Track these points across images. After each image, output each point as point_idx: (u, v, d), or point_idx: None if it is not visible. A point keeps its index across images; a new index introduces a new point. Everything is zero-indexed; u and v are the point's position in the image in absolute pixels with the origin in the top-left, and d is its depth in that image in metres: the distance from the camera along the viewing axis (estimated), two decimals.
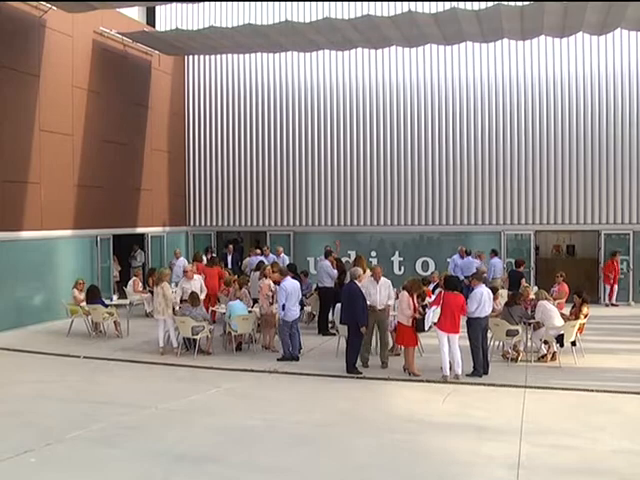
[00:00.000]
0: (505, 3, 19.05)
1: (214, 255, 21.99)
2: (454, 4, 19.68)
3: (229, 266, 22.06)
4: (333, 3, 23.38)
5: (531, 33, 21.16)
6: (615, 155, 23.00)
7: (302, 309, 15.71)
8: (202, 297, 16.16)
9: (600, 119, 23.06)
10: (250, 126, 25.48)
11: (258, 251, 21.30)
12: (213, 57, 25.71)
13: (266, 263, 18.14)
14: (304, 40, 21.36)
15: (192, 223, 26.35)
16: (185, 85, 26.17)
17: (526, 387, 12.34)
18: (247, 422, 10.37)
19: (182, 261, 21.28)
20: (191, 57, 25.88)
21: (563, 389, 12.28)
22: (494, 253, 21.45)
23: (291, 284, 14.48)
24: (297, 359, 14.47)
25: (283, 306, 14.21)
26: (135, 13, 24.26)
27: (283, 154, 25.20)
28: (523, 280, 18.30)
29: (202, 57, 25.80)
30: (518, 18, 19.38)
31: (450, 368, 12.88)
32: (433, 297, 14.22)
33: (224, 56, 25.47)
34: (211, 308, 17.18)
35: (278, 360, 14.36)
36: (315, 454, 9.05)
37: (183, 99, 26.13)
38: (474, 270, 18.15)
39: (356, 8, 22.90)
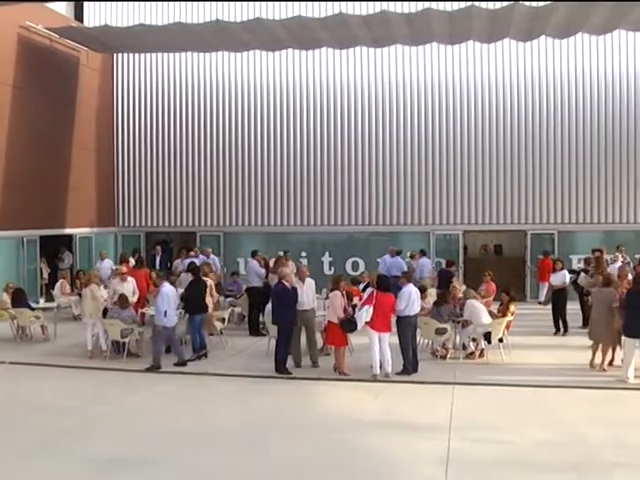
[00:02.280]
0: (434, 7, 19.34)
1: (141, 256, 21.72)
2: (384, 6, 19.92)
3: (157, 267, 21.79)
4: (266, 3, 23.35)
5: (459, 37, 21.54)
6: (540, 157, 23.56)
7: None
8: (134, 299, 15.97)
9: (526, 121, 23.59)
10: (180, 125, 25.25)
11: (192, 253, 21.07)
12: (143, 55, 25.37)
13: (197, 264, 18.04)
14: (235, 40, 21.27)
15: (121, 224, 25.95)
16: (115, 83, 25.74)
17: (455, 384, 12.56)
18: (180, 425, 10.29)
19: (108, 262, 20.95)
20: (121, 54, 25.46)
21: (491, 385, 12.54)
22: (422, 253, 21.70)
23: (171, 290, 14.24)
24: (159, 367, 13.90)
25: (165, 312, 13.81)
26: (63, 8, 23.78)
27: (213, 154, 25.04)
28: (453, 279, 18.59)
29: (132, 55, 25.43)
30: (447, 22, 19.68)
31: (380, 367, 13.00)
32: (364, 297, 14.34)
33: (154, 54, 25.16)
34: (140, 310, 16.95)
35: (146, 370, 13.78)
36: (251, 456, 9.03)
37: (112, 97, 25.71)
38: (403, 270, 18.40)
39: (287, 8, 22.94)
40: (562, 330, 17.16)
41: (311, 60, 24.33)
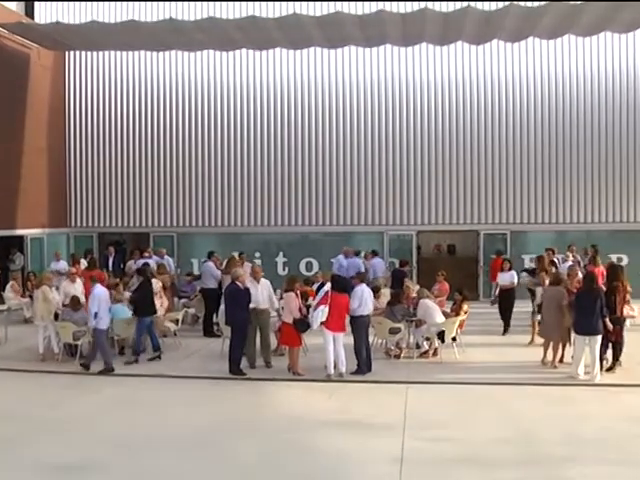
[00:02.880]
0: (387, 10, 19.45)
1: (93, 257, 21.46)
2: (338, 8, 19.97)
3: (110, 268, 21.54)
4: (219, 3, 23.26)
5: (412, 39, 21.71)
6: (493, 158, 23.84)
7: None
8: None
9: (478, 123, 23.85)
10: (133, 125, 24.99)
11: (146, 254, 20.86)
12: (97, 53, 24.98)
13: (151, 265, 17.92)
14: (189, 39, 21.13)
15: (73, 224, 25.57)
16: (67, 81, 25.32)
17: (409, 383, 12.64)
18: (131, 428, 10.21)
19: (63, 264, 20.67)
20: (73, 52, 25.05)
21: (444, 383, 12.70)
22: (374, 253, 21.80)
23: (103, 292, 14.10)
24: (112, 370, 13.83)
25: (95, 314, 13.65)
26: (13, 4, 23.36)
27: (166, 153, 24.81)
28: (406, 279, 18.70)
29: (86, 53, 25.02)
30: (400, 24, 19.81)
31: (334, 367, 13.04)
32: (318, 297, 14.35)
33: (107, 52, 24.80)
34: None
35: (99, 373, 13.64)
36: (203, 458, 8.99)
37: (64, 95, 25.30)
38: (361, 270, 18.47)
39: (241, 8, 22.86)
40: (504, 330, 17.31)
41: (265, 59, 24.20)
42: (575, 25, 20.15)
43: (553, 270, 16.39)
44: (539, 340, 15.05)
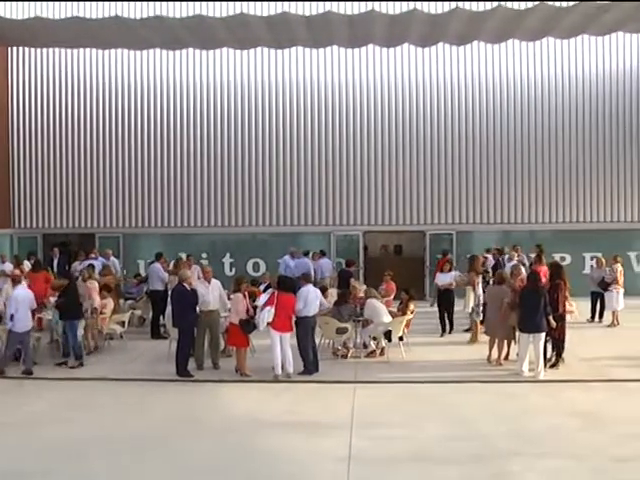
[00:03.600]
0: (335, 11, 19.47)
1: (38, 258, 21.07)
2: (285, 8, 19.89)
3: (55, 270, 21.19)
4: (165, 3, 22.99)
5: (359, 41, 21.82)
6: (439, 159, 24.08)
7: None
8: None
9: (424, 124, 24.07)
10: (78, 124, 24.59)
11: (92, 255, 20.56)
12: (41, 50, 24.50)
13: (95, 266, 17.70)
14: (134, 37, 20.86)
15: (17, 225, 25.07)
16: (10, 77, 24.81)
17: (356, 382, 12.72)
18: (77, 433, 10.03)
19: (8, 265, 20.25)
20: (16, 49, 24.52)
21: (391, 382, 12.79)
22: (322, 253, 21.85)
23: (23, 293, 13.85)
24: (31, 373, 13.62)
25: (12, 316, 13.38)
26: None
27: (111, 153, 24.50)
28: (352, 279, 18.77)
29: (30, 49, 24.52)
30: (347, 26, 19.87)
31: (282, 367, 13.03)
32: (263, 297, 14.34)
33: (52, 49, 24.32)
34: (37, 315, 16.42)
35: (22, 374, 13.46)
36: (150, 462, 8.90)
37: (7, 92, 24.77)
38: (309, 271, 18.48)
39: (188, 7, 22.60)
40: (448, 329, 17.44)
41: (206, 59, 24.17)
42: (519, 30, 20.52)
43: (482, 270, 17.08)
44: (482, 338, 15.29)
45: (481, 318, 15.98)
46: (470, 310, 16.52)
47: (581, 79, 24.12)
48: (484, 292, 16.18)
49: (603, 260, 19.35)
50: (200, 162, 24.33)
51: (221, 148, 24.34)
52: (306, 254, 21.22)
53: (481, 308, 16.06)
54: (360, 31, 20.51)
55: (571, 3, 18.54)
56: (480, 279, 16.69)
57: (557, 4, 18.77)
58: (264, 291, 16.46)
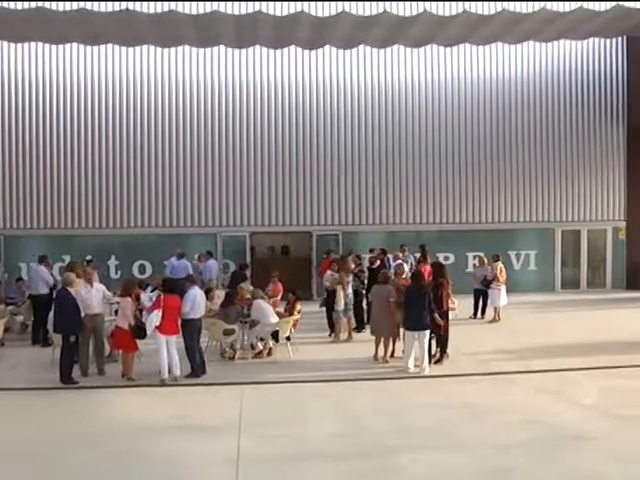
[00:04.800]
0: (222, 11, 19.34)
1: None
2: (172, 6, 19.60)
3: None
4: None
5: (246, 42, 21.79)
6: (325, 160, 24.30)
7: None
8: None
9: (310, 126, 24.25)
10: None
11: None
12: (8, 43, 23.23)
13: None
14: (53, 31, 20.10)
15: None
16: None
17: (244, 384, 12.64)
18: None
19: None
20: None
21: (279, 382, 12.78)
22: (209, 255, 21.70)
23: None
24: None
25: None
26: None
27: None
28: (242, 283, 18.67)
29: None
30: (233, 26, 19.80)
31: (169, 371, 12.84)
32: (146, 299, 14.08)
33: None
34: None
35: None
36: (32, 474, 8.58)
37: None
38: (189, 272, 18.32)
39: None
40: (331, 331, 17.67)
41: (130, 55, 23.60)
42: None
43: (358, 270, 17.64)
44: (357, 337, 15.87)
45: (350, 315, 16.56)
46: (341, 308, 16.76)
47: (469, 85, 24.91)
48: (367, 291, 16.54)
49: (485, 259, 20.05)
50: (85, 161, 23.62)
51: (106, 148, 23.70)
52: (182, 255, 20.98)
53: (351, 306, 16.67)
54: (246, 32, 20.48)
55: (448, 14, 19.26)
56: (351, 278, 17.02)
57: (440, 14, 19.40)
58: (151, 293, 16.17)
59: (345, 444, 9.35)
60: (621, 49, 25.47)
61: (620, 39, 25.16)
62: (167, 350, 12.79)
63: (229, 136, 24.04)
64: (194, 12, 19.12)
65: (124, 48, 23.31)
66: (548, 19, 20.13)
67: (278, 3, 18.66)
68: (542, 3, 19.13)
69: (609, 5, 19.37)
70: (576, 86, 25.42)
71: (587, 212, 25.74)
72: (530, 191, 25.29)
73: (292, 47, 23.38)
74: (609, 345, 15.77)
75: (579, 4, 19.25)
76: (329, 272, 17.60)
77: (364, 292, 17.60)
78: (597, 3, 19.42)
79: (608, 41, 25.22)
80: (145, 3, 19.50)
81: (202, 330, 13.74)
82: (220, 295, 16.49)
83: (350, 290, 16.80)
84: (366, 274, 18.14)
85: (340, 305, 16.67)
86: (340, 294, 16.66)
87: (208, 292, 15.05)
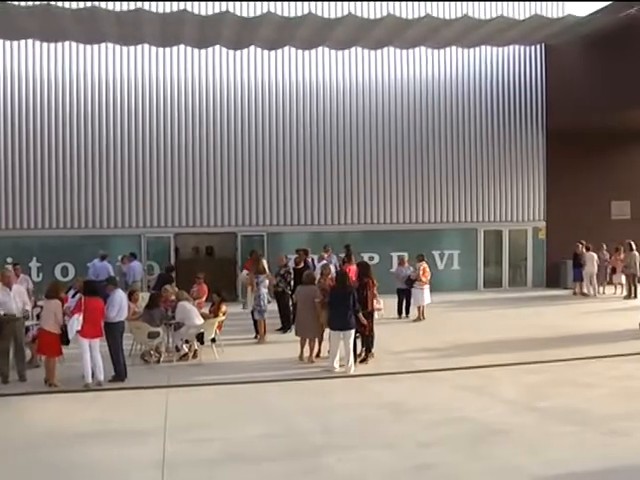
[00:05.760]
0: (146, 9, 19.15)
1: None
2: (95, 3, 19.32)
3: None
4: None
5: (170, 41, 21.65)
6: (250, 162, 24.31)
7: None
8: None
9: (235, 128, 24.24)
10: None
11: None
12: None
13: None
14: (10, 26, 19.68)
15: None
16: None
17: (169, 387, 12.55)
18: None
19: None
20: None
21: (205, 385, 12.73)
22: (133, 256, 21.43)
23: None
24: None
25: None
26: None
27: None
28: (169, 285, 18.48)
29: None
30: (158, 25, 19.64)
31: (92, 375, 12.63)
32: (71, 304, 13.79)
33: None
34: None
35: None
36: None
37: None
38: (110, 274, 18.11)
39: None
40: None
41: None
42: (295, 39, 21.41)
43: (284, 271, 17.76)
44: (283, 337, 16.13)
45: (263, 317, 16.60)
46: (251, 309, 16.89)
47: (392, 88, 25.27)
48: (293, 292, 16.60)
49: (406, 259, 20.37)
50: (12, 159, 23.11)
51: (41, 146, 23.27)
52: (104, 257, 20.75)
53: (265, 307, 16.63)
54: (170, 31, 20.34)
55: (373, 18, 19.58)
56: (263, 278, 17.00)
57: (363, 17, 19.68)
58: (73, 296, 15.87)
59: (272, 445, 9.38)
60: (540, 56, 26.22)
61: (539, 47, 25.94)
62: (90, 354, 12.58)
63: (153, 137, 23.82)
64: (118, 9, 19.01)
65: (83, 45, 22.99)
66: (469, 27, 20.71)
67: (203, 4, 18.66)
68: (464, 10, 19.72)
69: (528, 15, 20.08)
70: (498, 91, 26.07)
71: (508, 213, 26.44)
72: (453, 192, 25.82)
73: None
74: (530, 341, 16.25)
75: (499, 13, 19.89)
76: (245, 272, 17.64)
77: (290, 293, 17.67)
78: (516, 12, 20.18)
79: (528, 48, 25.96)
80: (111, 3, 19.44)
81: (124, 332, 13.58)
82: (144, 297, 16.34)
83: (263, 291, 16.77)
84: (292, 275, 18.21)
85: (249, 305, 16.87)
86: (249, 294, 16.68)
87: (132, 294, 14.89)
